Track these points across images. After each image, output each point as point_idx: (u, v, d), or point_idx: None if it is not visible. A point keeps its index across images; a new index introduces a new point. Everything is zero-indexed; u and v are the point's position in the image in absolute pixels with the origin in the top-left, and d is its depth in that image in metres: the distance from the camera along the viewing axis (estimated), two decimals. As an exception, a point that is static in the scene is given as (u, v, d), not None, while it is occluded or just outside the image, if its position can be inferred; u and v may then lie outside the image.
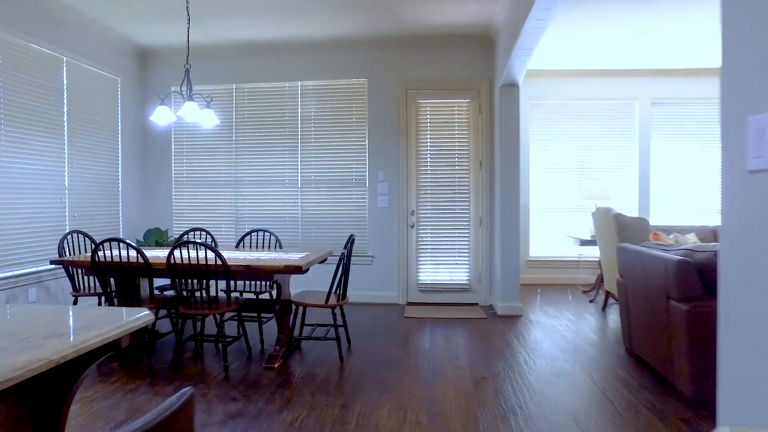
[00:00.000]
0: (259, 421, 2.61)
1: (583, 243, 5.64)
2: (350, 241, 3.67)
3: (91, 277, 4.74)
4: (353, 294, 5.62)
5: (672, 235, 4.80)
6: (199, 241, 3.25)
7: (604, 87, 6.68)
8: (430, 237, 5.55)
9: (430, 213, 5.54)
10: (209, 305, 3.32)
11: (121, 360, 3.56)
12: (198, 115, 3.75)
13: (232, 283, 4.08)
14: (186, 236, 4.57)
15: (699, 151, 6.69)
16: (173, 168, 5.85)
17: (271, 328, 4.51)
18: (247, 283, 4.27)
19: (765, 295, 1.12)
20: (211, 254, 3.73)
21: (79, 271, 4.15)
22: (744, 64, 1.18)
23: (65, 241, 4.46)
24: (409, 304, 5.54)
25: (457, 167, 5.52)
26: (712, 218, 6.67)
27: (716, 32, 5.24)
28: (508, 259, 5.00)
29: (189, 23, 3.84)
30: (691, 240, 4.80)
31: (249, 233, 4.60)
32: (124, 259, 3.52)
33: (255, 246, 4.80)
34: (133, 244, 3.33)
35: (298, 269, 3.27)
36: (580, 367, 3.47)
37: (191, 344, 3.97)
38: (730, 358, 1.26)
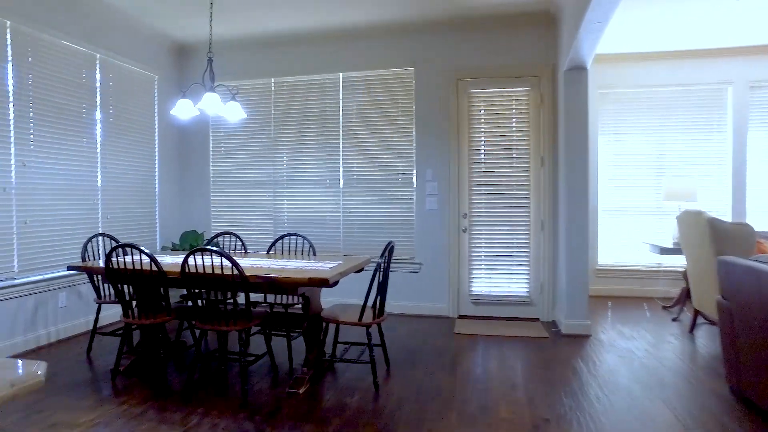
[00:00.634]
0: (268, 468, 2.18)
1: (664, 251, 4.84)
2: (388, 249, 3.18)
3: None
4: (398, 305, 5.12)
5: (782, 244, 3.94)
6: (214, 248, 2.87)
7: (688, 70, 5.79)
8: (485, 243, 4.95)
9: (485, 216, 4.95)
10: (226, 320, 2.94)
11: (141, 373, 3.27)
12: (221, 108, 3.40)
13: (261, 291, 3.70)
14: (214, 241, 4.26)
15: (809, 143, 5.65)
16: (211, 168, 5.61)
17: (302, 343, 4.11)
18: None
19: None
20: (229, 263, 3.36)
21: (100, 277, 3.92)
22: None
23: (90, 244, 4.27)
24: (461, 317, 4.97)
25: (515, 164, 4.90)
26: (826, 223, 5.60)
27: (839, -4, 4.30)
28: (575, 270, 4.33)
29: (212, 7, 3.49)
30: (808, 250, 3.92)
31: (281, 238, 4.22)
32: (143, 267, 3.22)
33: (288, 252, 4.44)
34: (146, 251, 3.00)
35: (323, 282, 2.82)
36: (668, 408, 2.79)
37: (215, 360, 3.63)
38: None
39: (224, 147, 5.55)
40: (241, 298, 5.19)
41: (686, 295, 4.99)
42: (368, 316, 3.20)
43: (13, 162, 3.72)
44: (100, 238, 4.40)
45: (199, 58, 5.60)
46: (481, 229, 4.95)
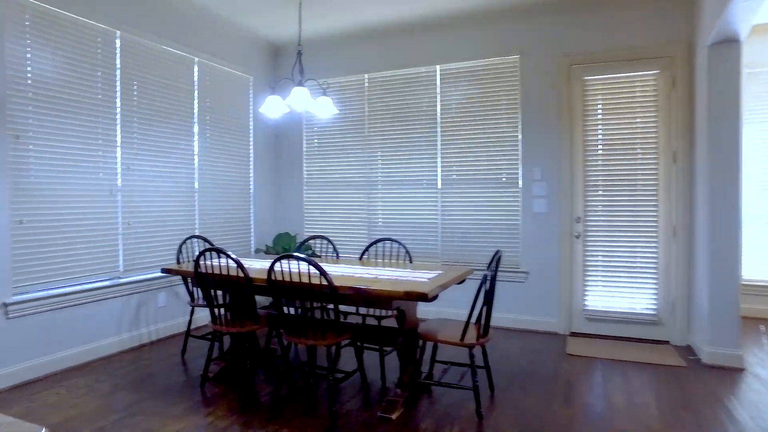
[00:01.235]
0: None
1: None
2: (496, 259, 2.76)
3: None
4: (501, 317, 4.64)
5: None
6: (301, 256, 2.64)
7: None
8: (603, 251, 4.31)
9: (603, 220, 4.31)
10: (314, 333, 2.69)
11: (230, 380, 3.15)
12: (311, 103, 3.19)
13: (351, 304, 3.44)
14: (305, 244, 4.09)
15: None
16: (304, 168, 5.52)
17: (396, 359, 3.79)
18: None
19: None
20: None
21: (191, 280, 3.91)
22: None
23: (184, 246, 4.31)
24: (573, 335, 4.37)
25: (639, 161, 4.21)
26: None
27: None
28: (720, 286, 3.57)
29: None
30: None
31: (375, 242, 3.94)
32: (230, 272, 3.09)
33: (382, 257, 4.16)
34: (233, 256, 2.86)
35: (422, 297, 2.47)
36: None
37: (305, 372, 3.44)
38: None
39: (317, 147, 5.43)
40: (330, 307, 5.02)
41: None
42: (471, 336, 2.80)
43: (119, 165, 3.82)
44: (194, 240, 4.44)
45: (292, 58, 5.53)
46: (598, 235, 4.31)
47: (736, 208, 3.55)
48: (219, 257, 2.96)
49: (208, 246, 4.51)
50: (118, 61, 3.80)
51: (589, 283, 4.36)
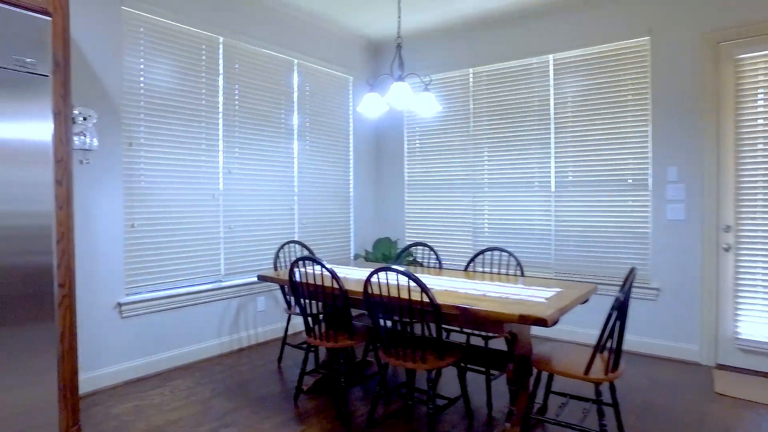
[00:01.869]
0: None
1: None
2: (630, 280, 2.28)
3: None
4: (627, 339, 4.03)
5: None
6: (400, 269, 2.38)
7: None
8: (762, 267, 3.54)
9: (763, 230, 3.54)
10: (413, 356, 2.41)
11: (324, 393, 2.99)
12: (411, 100, 2.92)
13: (456, 324, 3.12)
14: (406, 252, 3.84)
15: None
16: (405, 170, 5.28)
17: (504, 384, 3.40)
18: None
19: None
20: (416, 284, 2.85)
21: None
22: None
23: (282, 252, 4.25)
24: (721, 367, 3.64)
25: (816, 157, 3.38)
26: None
27: None
28: None
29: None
30: None
31: (481, 252, 3.57)
32: (324, 282, 2.92)
33: (490, 265, 3.76)
34: (328, 266, 2.67)
35: (540, 322, 2.08)
36: None
37: (402, 393, 3.18)
38: None
39: (419, 147, 5.16)
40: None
41: None
42: (598, 369, 2.34)
43: (221, 169, 3.86)
44: (292, 245, 4.38)
45: (392, 56, 5.32)
46: (756, 247, 3.55)
47: None
48: (313, 266, 2.80)
49: (305, 251, 4.45)
50: (220, 67, 3.84)
51: (742, 306, 3.60)
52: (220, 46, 3.84)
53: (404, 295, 2.51)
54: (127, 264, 3.29)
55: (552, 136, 4.34)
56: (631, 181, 4.01)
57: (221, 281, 3.88)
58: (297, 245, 4.41)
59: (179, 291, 3.55)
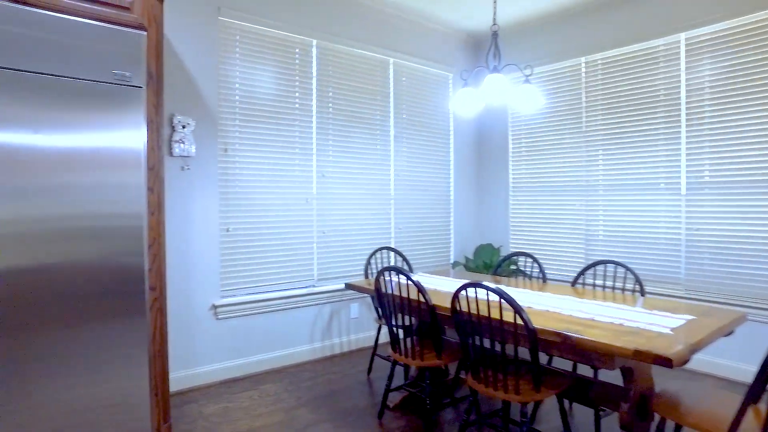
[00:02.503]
0: None
1: None
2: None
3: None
4: None
5: None
6: (490, 286, 2.09)
7: None
8: None
9: None
10: (504, 384, 2.11)
11: (411, 412, 2.78)
12: (509, 94, 2.59)
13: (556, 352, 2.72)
14: (507, 262, 3.49)
15: None
16: (510, 171, 4.88)
17: (616, 424, 2.91)
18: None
19: None
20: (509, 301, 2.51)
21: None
22: None
23: (373, 258, 4.11)
24: None
25: None
26: None
27: None
28: None
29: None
30: None
31: (593, 265, 3.11)
32: (410, 295, 2.72)
33: (603, 280, 3.25)
34: (414, 278, 2.46)
35: (663, 362, 1.67)
36: None
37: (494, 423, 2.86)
38: None
39: (525, 146, 4.74)
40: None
41: None
42: (750, 426, 1.84)
43: (314, 173, 3.84)
44: (385, 251, 4.23)
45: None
46: None
47: None
48: (398, 276, 2.60)
49: (398, 259, 4.28)
50: (314, 70, 3.82)
51: None
52: (314, 48, 3.81)
53: (496, 315, 2.21)
54: (222, 267, 3.38)
55: (683, 129, 3.68)
56: (792, 181, 3.25)
57: (314, 286, 3.86)
58: (391, 252, 4.25)
59: (272, 295, 3.58)
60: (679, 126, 3.70)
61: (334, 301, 3.98)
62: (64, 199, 2.14)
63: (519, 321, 2.11)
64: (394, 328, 2.72)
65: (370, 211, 4.21)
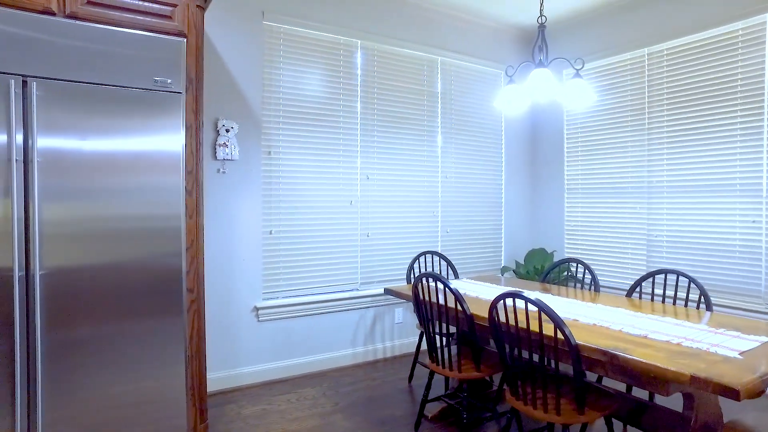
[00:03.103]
0: None
1: None
2: None
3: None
4: None
5: None
6: (530, 297, 1.93)
7: None
8: None
9: None
10: (545, 403, 1.94)
11: (448, 424, 2.67)
12: (556, 90, 2.41)
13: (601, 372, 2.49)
14: (557, 269, 3.27)
15: None
16: (565, 172, 4.60)
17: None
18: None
19: None
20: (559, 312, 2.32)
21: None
22: None
23: (416, 263, 3.99)
24: None
25: None
26: None
27: None
28: None
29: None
30: None
31: (651, 275, 2.84)
32: (449, 302, 2.60)
33: (662, 291, 2.94)
34: (452, 286, 2.34)
35: (728, 393, 1.46)
36: None
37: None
38: None
39: (582, 145, 4.45)
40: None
41: None
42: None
43: (358, 175, 3.79)
44: (429, 255, 4.11)
45: (549, 44, 4.69)
46: None
47: None
48: (435, 283, 2.49)
49: (445, 263, 4.15)
50: (358, 71, 3.77)
51: None
52: (358, 49, 3.77)
53: (535, 328, 2.05)
54: (264, 269, 3.41)
55: (766, 123, 3.29)
56: None
57: (357, 290, 3.81)
58: (435, 256, 4.13)
59: (315, 298, 3.57)
60: (762, 119, 3.31)
61: (378, 306, 3.92)
62: (106, 202, 2.22)
63: (560, 336, 1.94)
64: (433, 336, 2.60)
65: (417, 214, 4.11)
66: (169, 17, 2.42)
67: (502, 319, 2.22)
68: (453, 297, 2.62)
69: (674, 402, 2.97)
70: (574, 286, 3.21)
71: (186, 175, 2.45)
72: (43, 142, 2.07)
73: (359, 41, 3.78)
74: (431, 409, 2.95)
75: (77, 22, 2.17)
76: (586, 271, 3.24)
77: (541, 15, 2.50)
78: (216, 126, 3.21)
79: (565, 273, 3.63)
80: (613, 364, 1.79)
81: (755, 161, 3.33)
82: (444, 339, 3.62)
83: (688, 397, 1.89)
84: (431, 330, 2.56)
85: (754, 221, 3.32)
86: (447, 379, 3.25)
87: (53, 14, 2.15)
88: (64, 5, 2.17)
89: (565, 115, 4.58)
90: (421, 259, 4.09)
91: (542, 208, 4.83)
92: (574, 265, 4.22)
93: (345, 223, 3.74)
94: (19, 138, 2.03)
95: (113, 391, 2.23)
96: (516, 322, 1.99)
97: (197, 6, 2.51)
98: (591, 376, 3.48)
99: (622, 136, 4.10)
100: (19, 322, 2.02)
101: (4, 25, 2.00)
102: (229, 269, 3.27)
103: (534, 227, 4.90)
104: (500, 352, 2.14)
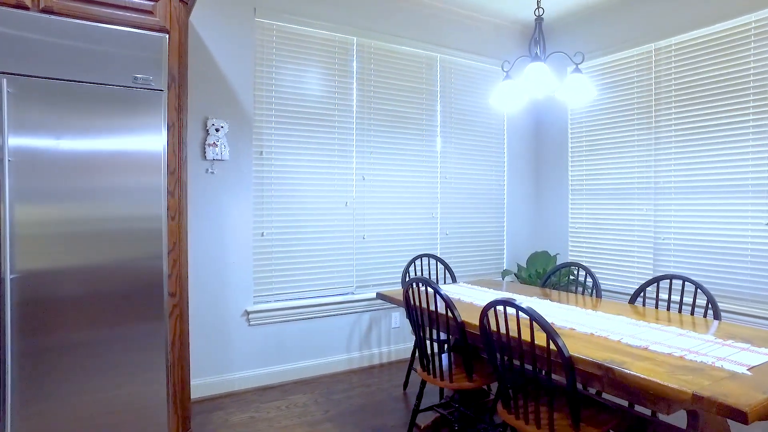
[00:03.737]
0: None
1: None
2: None
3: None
4: None
5: None
6: (521, 305, 1.82)
7: None
8: None
9: None
10: (536, 417, 1.82)
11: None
12: (553, 85, 2.29)
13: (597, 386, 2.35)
14: (558, 273, 3.14)
15: None
16: (569, 173, 4.46)
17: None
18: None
19: None
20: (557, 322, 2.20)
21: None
22: None
23: (412, 266, 3.88)
24: None
25: None
26: None
27: None
28: None
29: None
30: None
31: (656, 280, 2.70)
32: (440, 308, 2.49)
33: (668, 298, 2.80)
34: (442, 291, 2.23)
35: (734, 414, 1.33)
36: None
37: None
38: None
39: (586, 145, 4.30)
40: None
41: None
42: None
43: (354, 176, 3.69)
44: (426, 259, 3.99)
45: (553, 42, 4.55)
46: None
47: None
48: (426, 288, 2.38)
49: (442, 266, 4.03)
50: (354, 69, 3.67)
51: None
52: (354, 47, 3.67)
53: (528, 337, 1.93)
54: (256, 272, 3.32)
55: (779, 122, 3.13)
56: None
57: (353, 293, 3.71)
58: (432, 259, 4.01)
59: (308, 302, 3.48)
60: (773, 118, 3.15)
61: (374, 310, 3.81)
62: (83, 203, 2.14)
63: (553, 347, 1.82)
64: (426, 344, 2.49)
65: (415, 216, 4.00)
66: (150, 12, 2.33)
67: (494, 327, 2.10)
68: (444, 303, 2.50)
69: (679, 418, 2.83)
70: (575, 291, 3.08)
71: (168, 176, 2.36)
72: (15, 141, 2.00)
73: (355, 38, 3.68)
74: (425, 419, 2.84)
75: (52, 16, 2.09)
76: (586, 275, 3.10)
77: (539, 7, 2.37)
78: (205, 125, 3.13)
79: (567, 277, 3.49)
80: (609, 378, 1.67)
81: (766, 160, 3.17)
82: (437, 346, 3.51)
83: (692, 414, 1.76)
84: (422, 337, 2.45)
85: (767, 224, 3.16)
86: (441, 388, 3.13)
87: (27, 8, 2.07)
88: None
89: (569, 114, 4.44)
90: (418, 262, 3.98)
91: (546, 210, 4.69)
92: (575, 269, 4.08)
93: (340, 225, 3.64)
94: (-12, 137, 1.95)
95: (90, 399, 2.15)
96: (507, 331, 1.87)
97: (180, 1, 2.42)
98: (591, 390, 3.35)
99: (628, 135, 3.95)
100: (-13, 328, 1.95)
101: (-28, 19, 1.93)
102: (218, 272, 3.18)
103: (537, 230, 4.76)
104: (492, 362, 2.02)
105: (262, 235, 3.33)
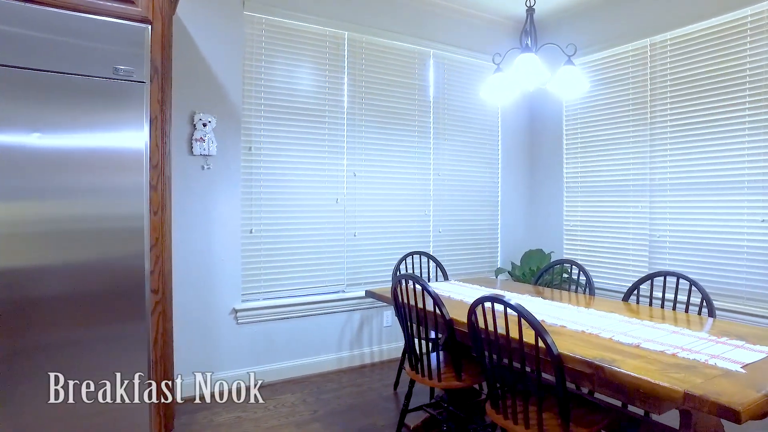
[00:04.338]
0: None
1: None
2: None
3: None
4: None
5: None
6: (510, 302, 1.76)
7: None
8: None
9: None
10: (525, 418, 1.77)
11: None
12: (544, 77, 2.24)
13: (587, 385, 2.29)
14: (551, 270, 3.09)
15: None
16: (564, 170, 4.41)
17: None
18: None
19: None
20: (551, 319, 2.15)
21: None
22: None
23: (403, 264, 3.82)
24: None
25: None
26: None
27: None
28: None
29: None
30: None
31: (650, 277, 2.65)
32: (429, 305, 2.44)
33: (662, 295, 2.76)
34: (430, 289, 2.17)
35: (727, 413, 1.28)
36: None
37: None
38: None
39: (581, 141, 4.25)
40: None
41: None
42: None
43: (345, 172, 3.64)
44: (416, 256, 3.93)
45: (545, 36, 4.49)
46: None
47: None
48: (414, 285, 2.32)
49: (434, 264, 3.98)
50: (345, 64, 3.62)
51: None
52: (345, 41, 3.62)
53: (516, 335, 1.88)
54: (244, 270, 3.26)
55: (775, 117, 3.08)
56: None
57: (344, 291, 3.65)
58: (423, 257, 3.95)
59: (298, 300, 3.42)
60: (770, 114, 3.10)
61: (365, 308, 3.76)
62: (62, 200, 2.08)
63: (541, 344, 1.76)
64: (415, 342, 2.44)
65: (407, 213, 3.94)
66: (131, 2, 2.27)
67: (482, 324, 2.05)
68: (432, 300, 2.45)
69: (673, 418, 2.78)
70: (569, 289, 3.02)
71: (150, 170, 2.30)
72: (-13, 133, 1.94)
73: (346, 33, 3.62)
74: (414, 420, 2.78)
75: (27, 5, 2.03)
76: (580, 272, 3.05)
77: (529, -2, 2.32)
78: (192, 120, 3.07)
79: (561, 275, 3.45)
80: (599, 377, 1.62)
81: (764, 157, 3.12)
82: (426, 345, 3.46)
83: (685, 413, 1.71)
84: (411, 335, 2.39)
85: (763, 220, 3.12)
86: (432, 387, 3.07)
87: (2, -4, 2.01)
88: (15, -13, 2.04)
89: (564, 111, 4.38)
90: (409, 260, 3.93)
91: (540, 207, 4.64)
92: (568, 266, 4.03)
93: (330, 222, 3.59)
94: (-39, 128, 1.90)
95: (69, 400, 2.09)
96: (495, 328, 1.82)
97: (164, -9, 2.37)
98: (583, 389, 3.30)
99: (624, 131, 3.90)
100: (-40, 326, 1.89)
101: (-55, 6, 1.88)
102: (206, 270, 3.12)
103: (532, 227, 4.71)
104: (480, 360, 1.97)
105: (251, 232, 3.28)
